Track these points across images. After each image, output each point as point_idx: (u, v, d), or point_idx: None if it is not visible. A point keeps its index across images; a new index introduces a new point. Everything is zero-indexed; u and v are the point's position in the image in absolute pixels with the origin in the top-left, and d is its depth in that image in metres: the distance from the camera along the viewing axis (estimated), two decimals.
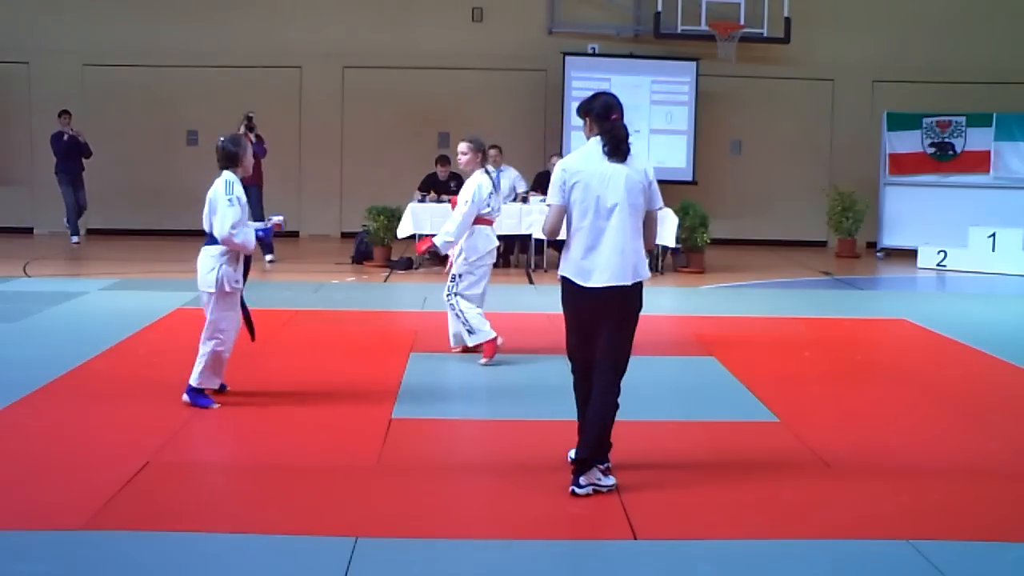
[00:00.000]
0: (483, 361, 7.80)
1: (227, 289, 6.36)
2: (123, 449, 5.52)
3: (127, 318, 9.29)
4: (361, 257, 13.83)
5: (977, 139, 15.43)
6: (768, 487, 5.20)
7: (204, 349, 6.43)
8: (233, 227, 6.22)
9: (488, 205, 7.86)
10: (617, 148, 5.07)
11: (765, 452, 5.78)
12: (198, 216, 6.42)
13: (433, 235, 8.08)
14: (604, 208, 5.03)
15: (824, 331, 9.67)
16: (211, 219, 6.33)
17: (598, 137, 5.12)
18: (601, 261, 5.04)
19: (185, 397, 6.43)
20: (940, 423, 6.18)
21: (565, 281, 5.15)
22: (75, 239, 15.53)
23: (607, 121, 5.09)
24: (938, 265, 14.49)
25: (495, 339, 7.83)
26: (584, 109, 5.20)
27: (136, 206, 16.56)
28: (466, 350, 8.05)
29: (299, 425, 6.10)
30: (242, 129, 13.87)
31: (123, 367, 7.62)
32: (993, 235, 14.22)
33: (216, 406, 6.42)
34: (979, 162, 15.34)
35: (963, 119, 15.63)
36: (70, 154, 15.43)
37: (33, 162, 17.00)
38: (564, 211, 5.10)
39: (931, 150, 15.71)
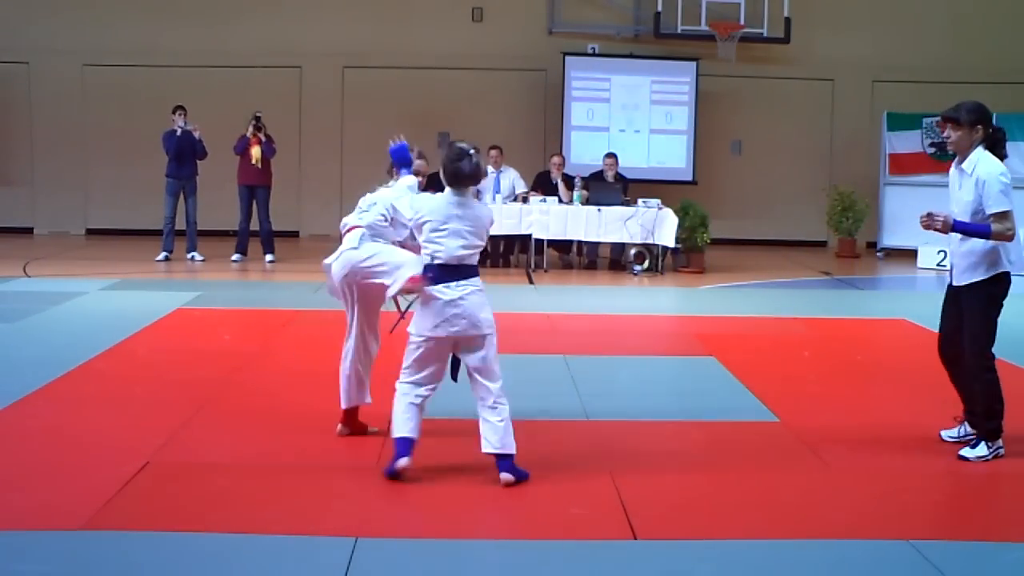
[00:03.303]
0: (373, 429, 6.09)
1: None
2: (123, 449, 5.51)
3: (127, 318, 9.29)
4: None
5: None
6: (768, 487, 5.20)
7: (503, 406, 5.15)
8: None
9: None
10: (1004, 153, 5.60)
11: (765, 452, 5.78)
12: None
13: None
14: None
15: (824, 331, 9.67)
16: (473, 243, 5.25)
17: (982, 146, 5.55)
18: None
19: (507, 476, 5.11)
20: (940, 423, 6.17)
21: (1006, 276, 5.59)
22: (161, 256, 13.73)
23: (994, 129, 5.60)
24: (938, 265, 14.48)
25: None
26: (979, 116, 5.54)
27: (136, 206, 16.54)
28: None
29: (299, 425, 6.10)
30: (250, 129, 13.84)
31: (123, 367, 7.61)
32: None
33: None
34: None
35: None
36: (182, 154, 13.61)
37: (33, 162, 17.02)
38: None
39: (931, 150, 15.70)
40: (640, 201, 13.63)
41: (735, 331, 9.60)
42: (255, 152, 13.78)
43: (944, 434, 5.98)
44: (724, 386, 7.37)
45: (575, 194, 13.82)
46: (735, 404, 6.87)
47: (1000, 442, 5.64)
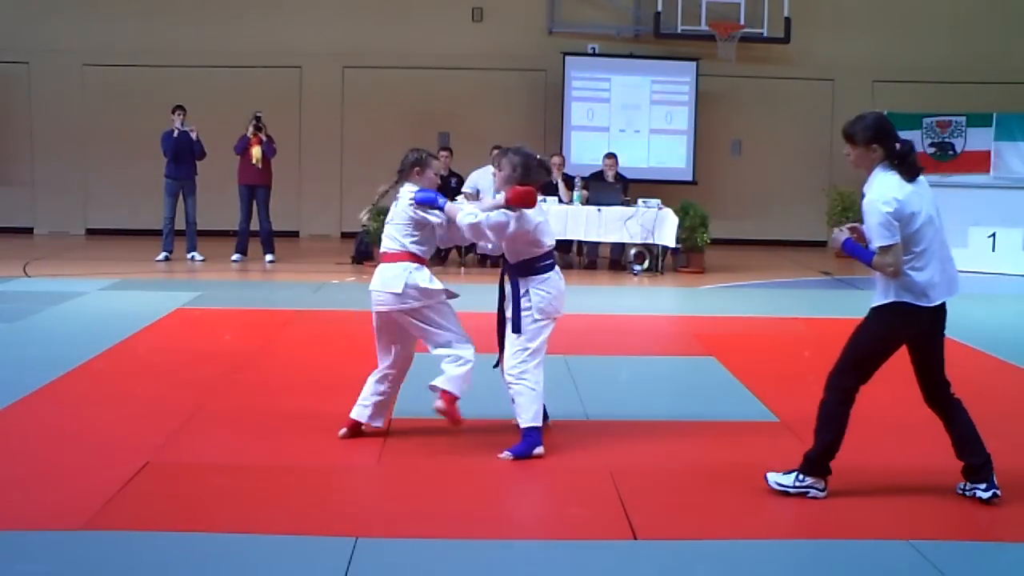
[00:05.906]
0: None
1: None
2: (123, 449, 5.51)
3: (127, 318, 9.29)
4: (361, 257, 13.81)
5: (977, 139, 15.40)
6: (768, 487, 5.19)
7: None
8: None
9: None
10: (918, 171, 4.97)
11: (765, 452, 5.77)
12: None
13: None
14: None
15: (824, 331, 9.65)
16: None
17: (885, 164, 4.96)
18: None
19: (507, 454, 5.47)
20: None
21: (904, 306, 5.07)
22: (161, 256, 13.72)
23: (901, 143, 5.03)
24: None
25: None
26: (874, 133, 5.00)
27: (136, 206, 16.54)
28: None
29: (299, 425, 6.09)
30: (250, 130, 13.83)
31: (123, 367, 7.62)
32: (993, 235, 14.20)
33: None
34: (979, 162, 15.30)
35: (963, 119, 15.60)
36: (180, 154, 13.57)
37: (33, 162, 17.03)
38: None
39: (931, 150, 15.69)
40: (640, 201, 13.63)
41: (735, 331, 9.60)
42: (255, 152, 13.77)
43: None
44: (724, 386, 7.37)
45: (575, 194, 13.82)
46: (735, 404, 6.87)
47: (819, 482, 4.99)
